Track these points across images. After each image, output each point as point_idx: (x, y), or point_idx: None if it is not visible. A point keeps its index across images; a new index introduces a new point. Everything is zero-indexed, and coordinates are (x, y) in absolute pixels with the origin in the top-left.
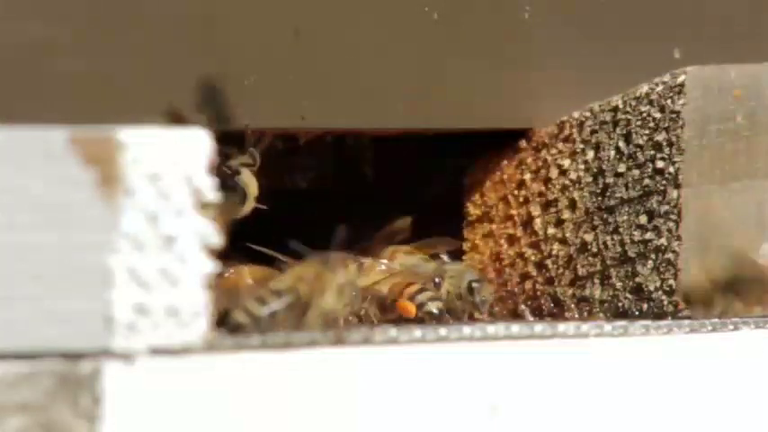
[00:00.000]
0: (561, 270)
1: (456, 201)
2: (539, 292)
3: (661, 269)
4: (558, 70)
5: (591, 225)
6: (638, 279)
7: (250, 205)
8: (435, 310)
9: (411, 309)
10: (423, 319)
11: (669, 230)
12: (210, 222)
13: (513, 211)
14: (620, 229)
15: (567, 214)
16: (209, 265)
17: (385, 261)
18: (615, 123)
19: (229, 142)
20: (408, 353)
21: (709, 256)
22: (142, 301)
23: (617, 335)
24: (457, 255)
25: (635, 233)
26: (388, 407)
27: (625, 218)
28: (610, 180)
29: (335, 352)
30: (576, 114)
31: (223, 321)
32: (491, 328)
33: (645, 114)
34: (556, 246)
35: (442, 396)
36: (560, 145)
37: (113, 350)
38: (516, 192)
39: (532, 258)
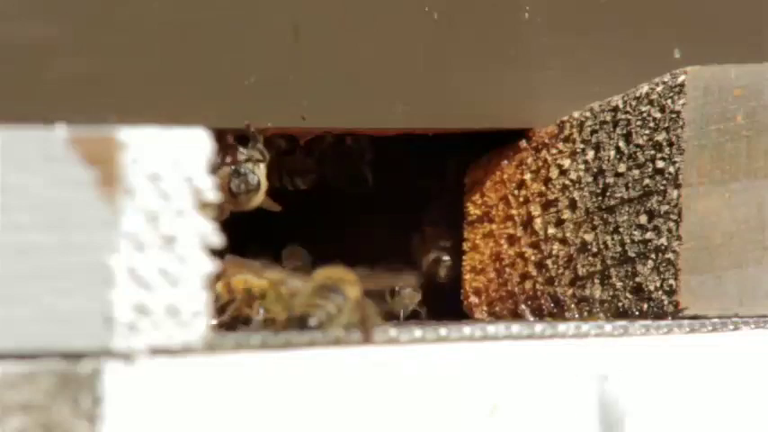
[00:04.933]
0: (561, 270)
1: (456, 201)
2: (539, 292)
3: (661, 269)
4: (557, 70)
5: (591, 225)
6: (638, 279)
7: (261, 198)
8: None
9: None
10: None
11: (669, 230)
12: (212, 221)
13: (514, 211)
14: (621, 229)
15: (567, 214)
16: (209, 265)
17: None
18: (615, 123)
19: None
20: (408, 353)
21: (708, 256)
22: (142, 301)
23: (617, 335)
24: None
25: (635, 233)
26: (388, 407)
27: (625, 218)
28: (610, 180)
29: (335, 352)
30: (576, 114)
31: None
32: (491, 328)
33: (645, 114)
34: (556, 246)
35: (442, 396)
36: (560, 145)
37: (113, 350)
38: (516, 192)
39: (532, 258)
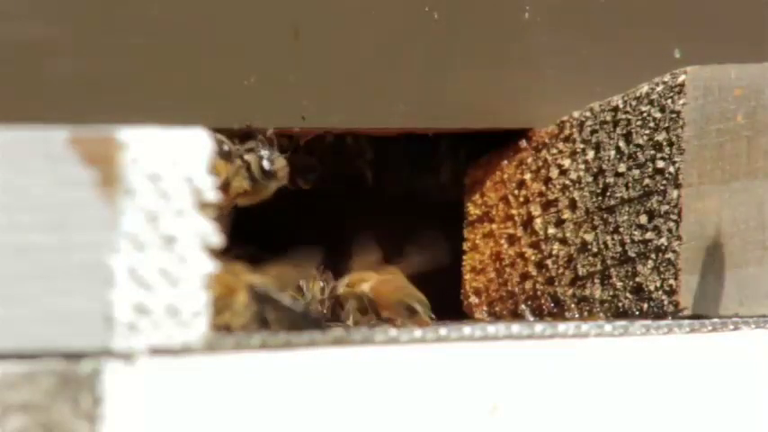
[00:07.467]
0: (561, 270)
1: (456, 201)
2: (539, 292)
3: (661, 269)
4: (558, 70)
5: (591, 225)
6: (638, 279)
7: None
8: None
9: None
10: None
11: (669, 230)
12: (212, 221)
13: (514, 211)
14: (621, 229)
15: (567, 214)
16: (209, 265)
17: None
18: (615, 123)
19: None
20: (408, 353)
21: (708, 256)
22: (142, 301)
23: (617, 335)
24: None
25: (635, 233)
26: (388, 407)
27: (625, 218)
28: (610, 180)
29: (335, 352)
30: (576, 114)
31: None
32: (491, 328)
33: (645, 114)
34: (556, 246)
35: (442, 396)
36: (560, 145)
37: (113, 350)
38: (516, 192)
39: (532, 258)
